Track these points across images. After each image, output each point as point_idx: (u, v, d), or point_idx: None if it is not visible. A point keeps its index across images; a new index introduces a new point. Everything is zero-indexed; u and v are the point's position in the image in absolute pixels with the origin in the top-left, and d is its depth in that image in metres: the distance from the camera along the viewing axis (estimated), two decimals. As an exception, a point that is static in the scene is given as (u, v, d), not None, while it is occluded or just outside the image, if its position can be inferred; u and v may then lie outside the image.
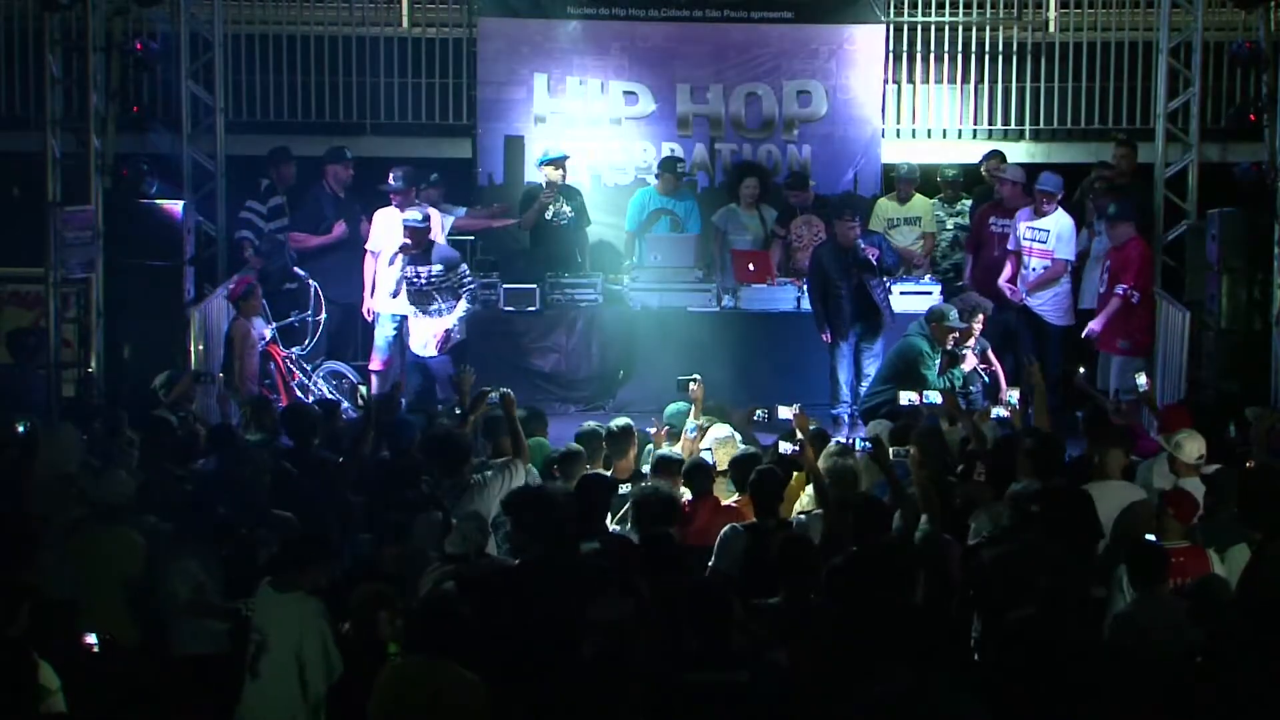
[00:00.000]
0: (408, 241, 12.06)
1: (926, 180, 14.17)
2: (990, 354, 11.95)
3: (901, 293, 12.89)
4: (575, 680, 5.88)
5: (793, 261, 13.45)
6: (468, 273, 12.40)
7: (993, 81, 14.89)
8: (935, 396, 9.73)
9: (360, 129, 14.77)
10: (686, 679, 5.87)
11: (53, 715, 5.95)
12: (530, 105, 14.47)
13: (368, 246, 12.96)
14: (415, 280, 12.13)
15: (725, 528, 7.81)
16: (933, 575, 6.90)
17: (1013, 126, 14.90)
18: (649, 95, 14.52)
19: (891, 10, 14.71)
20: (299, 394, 12.42)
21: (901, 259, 12.99)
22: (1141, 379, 10.23)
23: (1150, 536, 7.25)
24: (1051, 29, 15.04)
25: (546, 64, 14.46)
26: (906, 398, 9.68)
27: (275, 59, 14.78)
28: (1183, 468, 8.33)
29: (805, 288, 12.72)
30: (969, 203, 13.96)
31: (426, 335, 12.26)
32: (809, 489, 8.50)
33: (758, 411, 9.36)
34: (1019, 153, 14.33)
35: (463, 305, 12.26)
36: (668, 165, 13.93)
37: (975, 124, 14.94)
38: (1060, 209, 12.67)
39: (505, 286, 12.99)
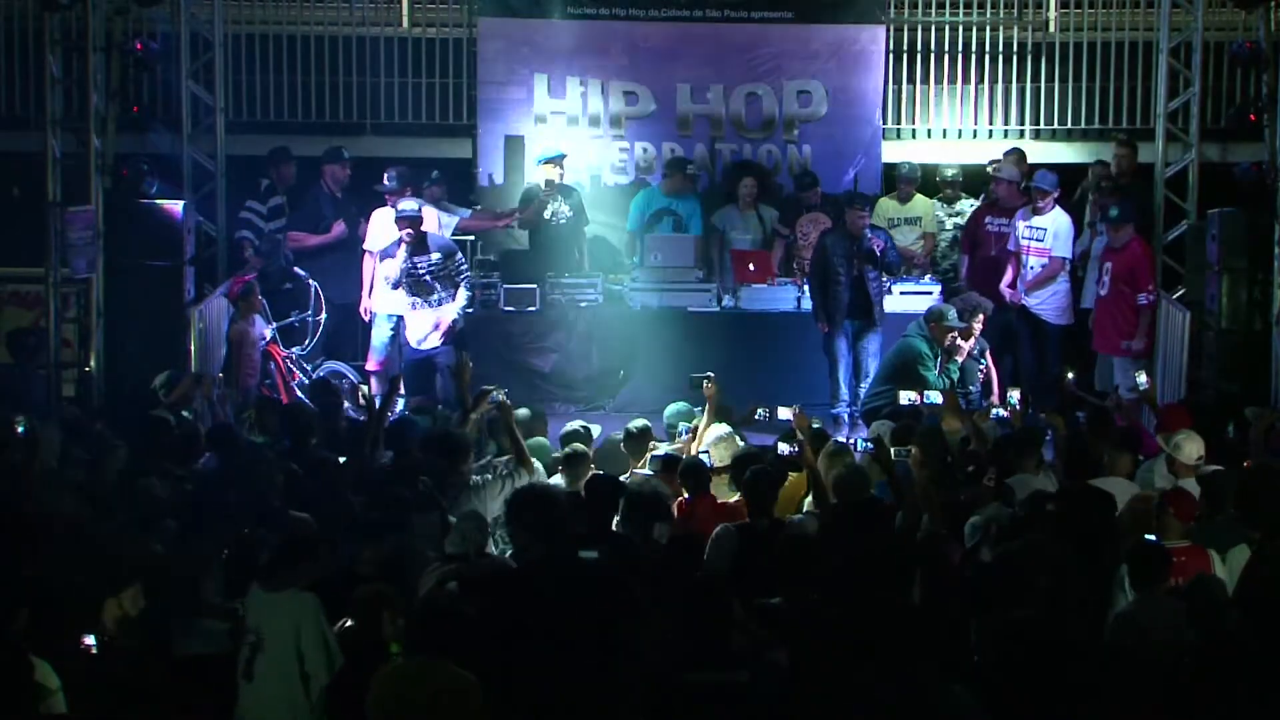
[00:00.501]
0: (409, 231, 12.06)
1: (926, 180, 14.18)
2: (989, 355, 11.96)
3: (901, 293, 12.90)
4: (575, 680, 5.88)
5: (797, 260, 13.44)
6: (464, 260, 12.43)
7: (993, 81, 14.89)
8: (936, 397, 9.74)
9: (360, 129, 14.77)
10: (686, 679, 5.87)
11: (53, 715, 5.95)
12: (530, 105, 14.47)
13: (366, 247, 12.97)
14: (415, 270, 12.14)
15: (718, 527, 7.81)
16: (933, 575, 6.89)
17: (1013, 126, 14.89)
18: (649, 95, 14.52)
19: (892, 10, 14.71)
20: (299, 394, 12.43)
21: (903, 259, 13.00)
22: (1142, 377, 10.25)
23: (1149, 536, 7.26)
24: (1051, 29, 15.04)
25: (546, 64, 14.45)
26: (907, 398, 9.68)
27: (275, 59, 14.78)
28: (1181, 468, 8.34)
29: (805, 284, 12.73)
30: (969, 203, 13.97)
31: (427, 327, 12.26)
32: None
33: (758, 411, 9.35)
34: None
35: (463, 293, 12.29)
36: (676, 165, 13.94)
37: (975, 124, 14.94)
38: (1058, 207, 12.68)
39: (505, 286, 13.00)
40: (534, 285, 13.07)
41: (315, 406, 10.60)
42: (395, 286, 12.24)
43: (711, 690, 5.81)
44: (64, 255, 11.78)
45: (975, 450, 9.05)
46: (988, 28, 15.03)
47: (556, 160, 13.54)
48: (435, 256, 12.21)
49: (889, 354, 11.91)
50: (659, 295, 13.17)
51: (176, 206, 12.45)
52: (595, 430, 9.91)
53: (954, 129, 14.98)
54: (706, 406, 9.80)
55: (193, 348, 12.24)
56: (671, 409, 10.31)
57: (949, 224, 14.06)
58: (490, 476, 8.60)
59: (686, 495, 8.55)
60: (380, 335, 12.78)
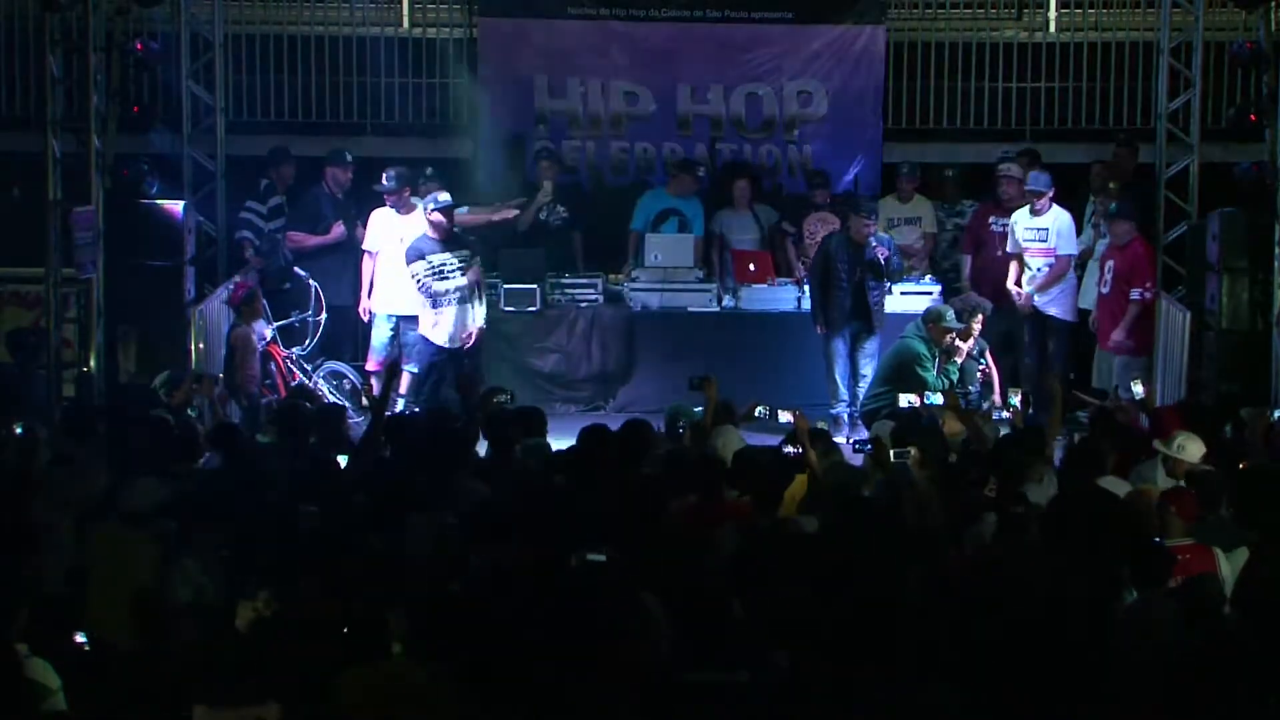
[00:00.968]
0: (444, 221, 12.07)
1: (927, 180, 14.18)
2: (988, 355, 11.96)
3: (902, 293, 12.91)
4: (575, 680, 5.87)
5: (804, 258, 13.43)
6: (477, 257, 12.44)
7: (993, 81, 14.89)
8: (936, 398, 9.73)
9: (360, 129, 14.77)
10: (686, 679, 5.87)
11: (53, 714, 5.95)
12: (531, 105, 14.47)
13: (365, 247, 12.96)
14: (445, 267, 12.11)
15: (721, 526, 7.81)
16: (933, 575, 6.89)
17: (1013, 126, 14.88)
18: (649, 95, 14.52)
19: (892, 10, 14.71)
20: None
21: (905, 264, 12.98)
22: (1138, 387, 10.24)
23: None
24: (1051, 29, 15.04)
25: (546, 64, 14.45)
26: (907, 400, 9.68)
27: (275, 59, 14.77)
28: (1182, 469, 8.33)
29: (805, 283, 12.74)
30: (969, 203, 13.98)
31: (455, 327, 12.21)
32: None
33: (758, 409, 9.36)
34: (993, 153, 14.31)
35: (482, 311, 12.32)
36: (684, 167, 13.94)
37: (975, 124, 14.93)
38: (1055, 205, 12.69)
39: (505, 286, 13.00)
40: (534, 285, 13.08)
41: (323, 406, 10.60)
42: (429, 281, 12.13)
43: (711, 690, 5.81)
44: (70, 255, 11.77)
45: (976, 450, 9.05)
46: (988, 28, 15.03)
47: (552, 158, 13.60)
48: (465, 252, 12.22)
49: (887, 355, 11.91)
50: (659, 295, 13.18)
51: (176, 206, 12.45)
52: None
53: (954, 129, 14.96)
54: (706, 407, 9.80)
55: (193, 348, 12.24)
56: (672, 409, 10.32)
57: (949, 224, 14.07)
58: None
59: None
60: (380, 336, 12.78)
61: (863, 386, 12.22)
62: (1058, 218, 12.68)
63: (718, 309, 13.21)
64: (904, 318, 12.17)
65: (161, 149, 13.38)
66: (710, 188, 14.27)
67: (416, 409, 11.62)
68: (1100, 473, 8.30)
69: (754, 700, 5.79)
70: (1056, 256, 12.72)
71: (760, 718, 5.79)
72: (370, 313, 12.91)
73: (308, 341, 12.91)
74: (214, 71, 13.77)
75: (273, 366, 12.54)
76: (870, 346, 12.33)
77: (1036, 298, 12.81)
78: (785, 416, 9.03)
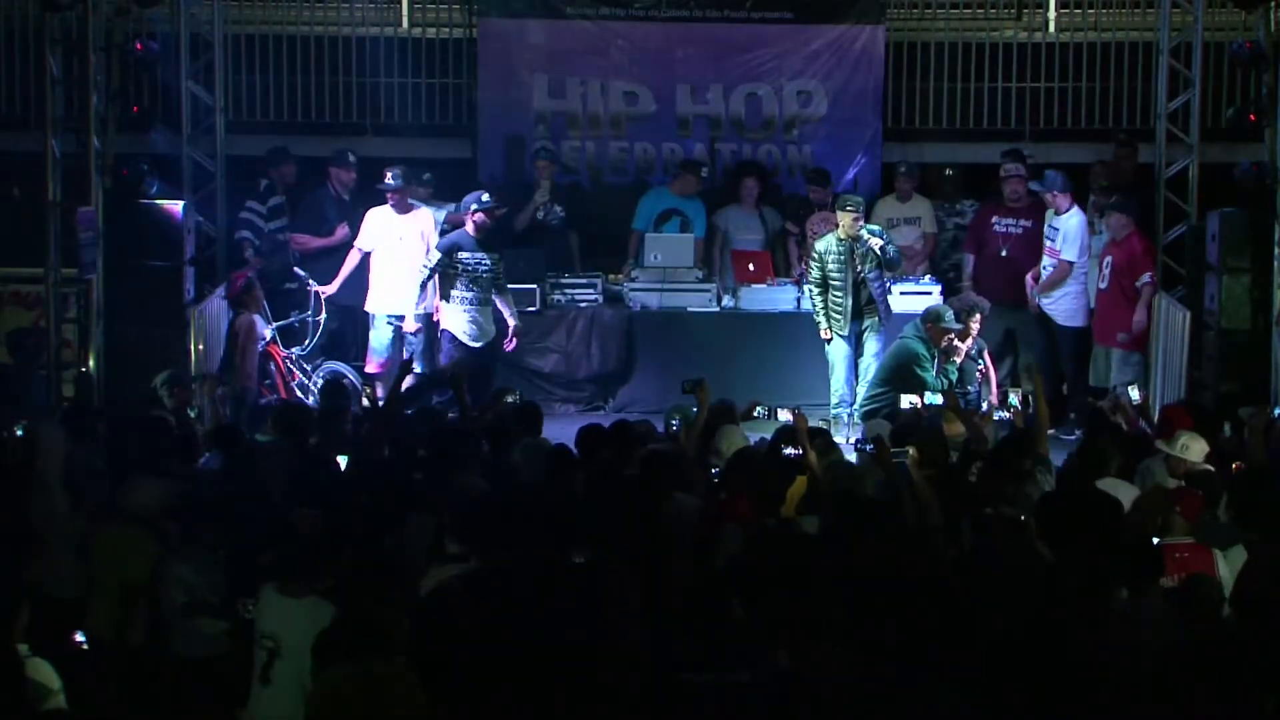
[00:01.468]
0: (486, 221, 12.07)
1: (926, 180, 14.18)
2: (987, 354, 11.97)
3: (901, 293, 12.91)
4: (574, 680, 5.88)
5: (804, 260, 13.41)
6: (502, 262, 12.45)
7: (993, 81, 14.89)
8: (936, 399, 9.74)
9: (360, 129, 14.77)
10: (686, 679, 5.87)
11: (53, 713, 5.95)
12: (530, 105, 14.48)
13: (357, 244, 12.92)
14: (480, 266, 12.10)
15: (724, 526, 7.80)
16: (932, 575, 6.89)
17: (1013, 126, 14.89)
18: (649, 95, 14.53)
19: (891, 10, 14.71)
20: (299, 394, 12.43)
21: (903, 256, 12.98)
22: (1134, 392, 10.25)
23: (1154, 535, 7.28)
24: (1051, 29, 15.04)
25: (547, 64, 14.47)
26: (907, 401, 9.67)
27: (275, 59, 14.78)
28: (1183, 469, 8.33)
29: (803, 284, 12.74)
30: (969, 203, 13.99)
31: (476, 327, 12.21)
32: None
33: (757, 408, 9.36)
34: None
35: (509, 315, 12.34)
36: (689, 167, 13.95)
37: (975, 124, 14.93)
38: (1074, 208, 12.72)
39: (506, 287, 13.00)
40: (534, 285, 13.08)
41: (326, 407, 10.59)
42: (458, 287, 12.11)
43: (711, 690, 5.81)
44: (73, 255, 11.76)
45: (976, 451, 9.04)
46: (988, 28, 15.03)
47: (551, 157, 13.61)
48: (496, 255, 12.22)
49: (886, 355, 11.91)
50: (659, 295, 13.19)
51: (176, 206, 12.45)
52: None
53: (954, 129, 14.96)
54: (699, 410, 9.80)
55: (192, 348, 12.24)
56: (672, 409, 10.31)
57: (949, 224, 14.07)
58: None
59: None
60: (382, 337, 12.77)
61: (861, 388, 12.20)
62: (1068, 221, 12.72)
63: (717, 309, 13.22)
64: (904, 318, 12.17)
65: (161, 149, 13.39)
66: (712, 188, 14.29)
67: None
68: (1102, 472, 8.30)
69: (754, 700, 5.79)
70: (1059, 260, 12.74)
71: (760, 718, 5.79)
72: (326, 296, 12.87)
73: (307, 341, 12.91)
74: (214, 71, 13.77)
75: (272, 366, 12.54)
76: (875, 346, 12.27)
77: (1042, 299, 12.83)
78: (784, 415, 9.03)
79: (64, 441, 8.65)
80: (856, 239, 12.13)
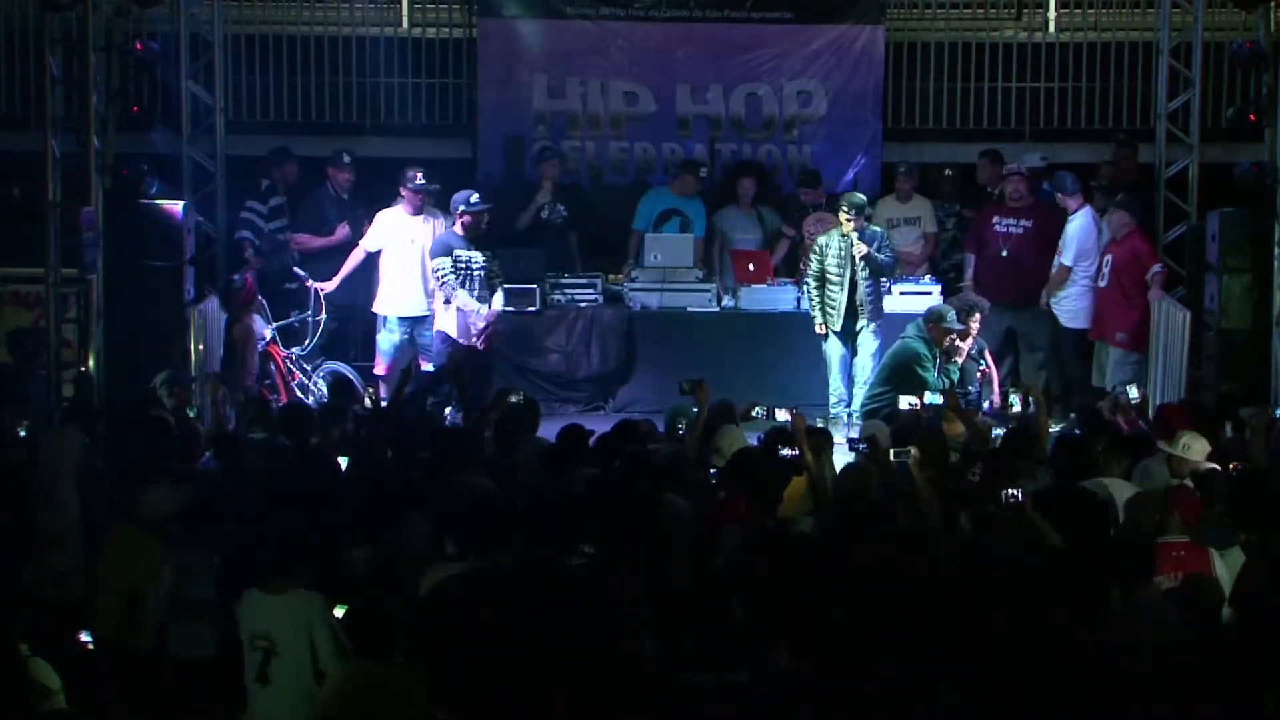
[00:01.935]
0: (474, 223, 12.06)
1: (926, 180, 14.18)
2: (987, 354, 11.97)
3: (902, 293, 12.91)
4: (574, 680, 5.88)
5: (804, 260, 13.42)
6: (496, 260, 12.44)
7: (993, 81, 14.89)
8: (937, 399, 9.73)
9: (360, 129, 14.76)
10: (686, 679, 5.87)
11: (53, 714, 5.95)
12: (530, 105, 14.48)
13: (363, 244, 12.90)
14: (472, 265, 12.09)
15: (723, 527, 7.81)
16: (931, 575, 6.89)
17: (1013, 126, 14.89)
18: (649, 95, 14.53)
19: (891, 10, 14.71)
20: (299, 394, 12.42)
21: (899, 260, 12.97)
22: (1133, 391, 10.24)
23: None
24: (1051, 29, 15.03)
25: (546, 64, 14.47)
26: (907, 402, 9.67)
27: (275, 59, 14.77)
28: (1185, 468, 8.34)
29: (804, 283, 12.74)
30: (957, 206, 14.00)
31: (467, 323, 12.21)
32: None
33: (756, 409, 9.35)
34: (1019, 153, 14.31)
35: (499, 298, 12.27)
36: (688, 167, 13.95)
37: (975, 124, 14.92)
38: (1081, 211, 12.74)
39: (505, 286, 12.99)
40: (534, 285, 13.08)
41: (332, 404, 10.59)
42: (450, 279, 12.09)
43: (711, 690, 5.81)
44: (74, 255, 11.76)
45: (977, 451, 9.04)
46: (988, 28, 15.03)
47: (553, 157, 13.61)
48: (489, 253, 12.22)
49: (887, 356, 11.90)
50: (659, 295, 13.19)
51: (176, 206, 12.43)
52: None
53: (954, 129, 14.96)
54: (698, 411, 9.78)
55: (192, 348, 12.23)
56: (672, 410, 10.30)
57: (949, 224, 14.07)
58: None
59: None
60: (390, 339, 12.73)
61: (861, 388, 12.21)
62: (1072, 223, 12.76)
63: (717, 309, 13.22)
64: (904, 318, 12.17)
65: (161, 149, 13.38)
66: (711, 188, 14.28)
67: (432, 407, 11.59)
68: (1090, 470, 8.30)
69: (754, 700, 5.79)
70: (1059, 264, 12.77)
71: (760, 718, 5.79)
72: (381, 316, 12.85)
73: (307, 341, 12.91)
74: (214, 71, 13.76)
75: (272, 366, 12.54)
76: (869, 346, 12.30)
77: (1050, 300, 12.88)
78: (783, 415, 9.01)
79: (79, 443, 8.67)
80: (847, 240, 12.16)
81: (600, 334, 13.22)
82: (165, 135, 13.41)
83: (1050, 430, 10.15)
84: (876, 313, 12.34)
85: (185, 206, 12.53)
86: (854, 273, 12.19)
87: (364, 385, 12.59)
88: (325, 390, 12.45)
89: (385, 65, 14.76)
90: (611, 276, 13.61)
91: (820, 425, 10.12)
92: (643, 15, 14.46)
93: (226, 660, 7.01)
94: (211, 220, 13.63)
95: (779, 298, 13.20)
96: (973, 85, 14.89)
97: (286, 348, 12.74)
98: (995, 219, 13.30)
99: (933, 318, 11.57)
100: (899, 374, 11.42)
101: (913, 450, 8.04)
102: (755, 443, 9.06)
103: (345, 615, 6.49)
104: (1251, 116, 12.65)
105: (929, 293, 12.90)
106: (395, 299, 12.77)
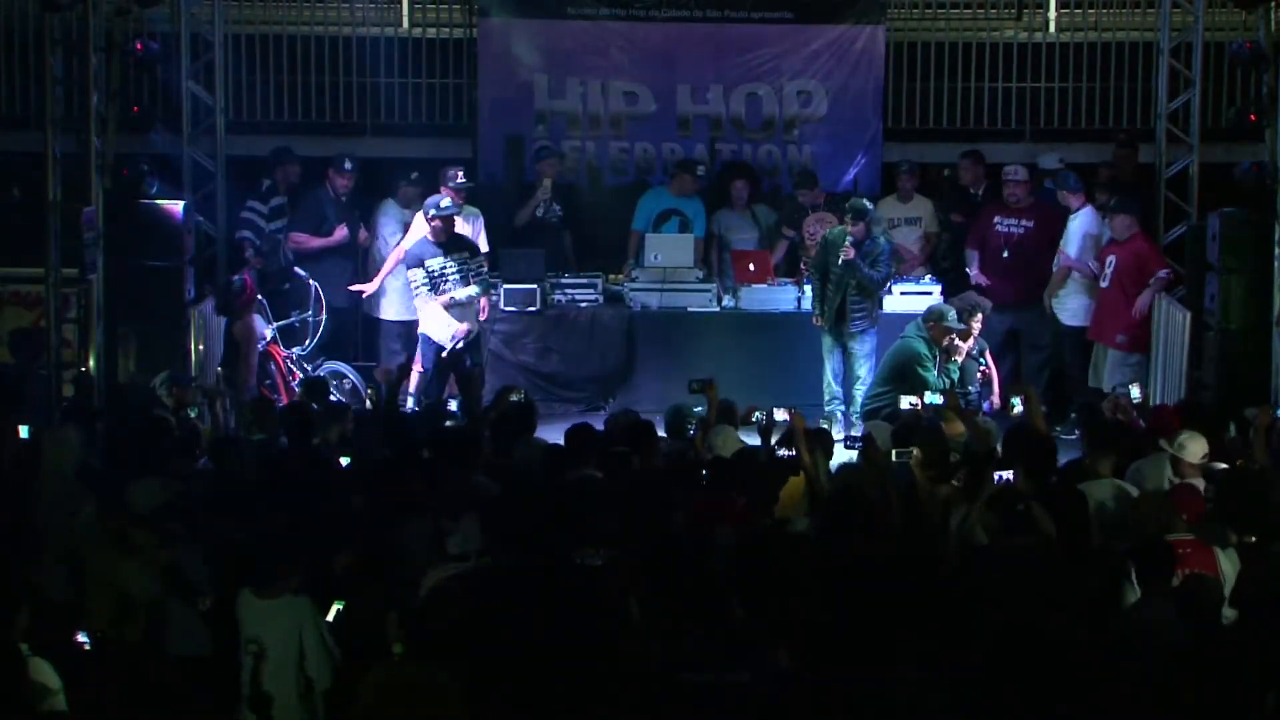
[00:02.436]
0: (441, 227, 12.08)
1: (926, 180, 14.18)
2: (988, 355, 11.97)
3: (902, 293, 12.92)
4: (574, 680, 5.88)
5: (804, 259, 13.42)
6: (483, 261, 12.42)
7: (993, 81, 14.89)
8: (937, 399, 9.73)
9: (361, 129, 14.76)
10: (686, 679, 5.87)
11: (53, 714, 5.95)
12: (531, 105, 14.48)
13: (405, 246, 12.74)
14: (444, 270, 12.08)
15: (719, 527, 7.80)
16: (931, 575, 6.89)
17: (1013, 126, 14.89)
18: (649, 95, 14.53)
19: (892, 10, 14.71)
20: (300, 394, 12.40)
21: (892, 271, 12.86)
22: (1135, 391, 10.24)
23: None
24: (1051, 29, 15.03)
25: (547, 64, 14.46)
26: (908, 402, 9.67)
27: (275, 59, 14.77)
28: (1187, 468, 8.34)
29: (808, 281, 12.77)
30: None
31: (456, 323, 12.20)
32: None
33: (756, 413, 9.34)
34: (1019, 153, 14.33)
35: (473, 289, 12.23)
36: (685, 167, 13.95)
37: (975, 124, 14.92)
38: (1084, 209, 12.76)
39: (505, 286, 13.00)
40: (534, 285, 13.08)
41: (333, 404, 10.61)
42: (423, 291, 12.09)
43: (711, 690, 5.81)
44: (74, 255, 11.76)
45: (977, 451, 9.04)
46: (988, 28, 15.03)
47: (553, 156, 13.62)
48: (465, 254, 12.21)
49: (887, 355, 11.91)
50: (659, 295, 13.19)
51: (176, 206, 12.44)
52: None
53: (954, 129, 14.96)
54: (708, 409, 9.77)
55: (192, 348, 12.24)
56: (673, 409, 10.30)
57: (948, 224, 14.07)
58: None
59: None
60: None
61: (860, 388, 12.21)
62: (1073, 222, 12.78)
63: (718, 309, 13.22)
64: (904, 318, 12.17)
65: (161, 149, 13.38)
66: (710, 187, 14.28)
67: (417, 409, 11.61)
68: (1085, 471, 8.31)
69: (754, 700, 5.79)
70: (1060, 262, 12.79)
71: (760, 718, 5.79)
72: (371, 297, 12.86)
73: (308, 341, 12.91)
74: (214, 71, 13.77)
75: (272, 366, 12.54)
76: (863, 347, 12.30)
77: (1051, 299, 12.87)
78: (781, 415, 8.99)
79: (78, 443, 8.67)
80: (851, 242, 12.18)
81: (600, 334, 13.22)
82: (165, 135, 13.40)
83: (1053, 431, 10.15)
84: (867, 320, 12.32)
85: (185, 206, 12.54)
86: (845, 277, 12.20)
87: (364, 385, 12.60)
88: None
89: (385, 65, 14.76)
90: (612, 276, 13.60)
91: (819, 425, 10.10)
92: (643, 15, 14.45)
93: (221, 659, 7.01)
94: (211, 220, 13.64)
95: (779, 298, 13.20)
96: (973, 85, 14.89)
97: (287, 348, 12.74)
98: (997, 219, 13.29)
99: (933, 317, 11.57)
100: (899, 373, 11.42)
101: (914, 451, 8.04)
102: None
103: (341, 615, 6.50)
104: (1252, 116, 12.64)
105: (929, 293, 12.89)
106: (403, 302, 12.79)
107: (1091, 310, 12.80)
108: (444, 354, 12.14)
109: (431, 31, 15.03)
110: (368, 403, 11.25)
